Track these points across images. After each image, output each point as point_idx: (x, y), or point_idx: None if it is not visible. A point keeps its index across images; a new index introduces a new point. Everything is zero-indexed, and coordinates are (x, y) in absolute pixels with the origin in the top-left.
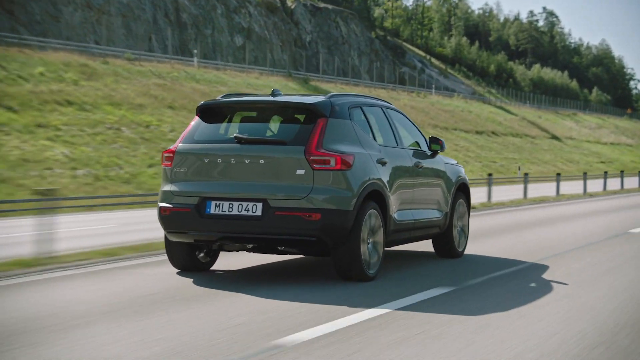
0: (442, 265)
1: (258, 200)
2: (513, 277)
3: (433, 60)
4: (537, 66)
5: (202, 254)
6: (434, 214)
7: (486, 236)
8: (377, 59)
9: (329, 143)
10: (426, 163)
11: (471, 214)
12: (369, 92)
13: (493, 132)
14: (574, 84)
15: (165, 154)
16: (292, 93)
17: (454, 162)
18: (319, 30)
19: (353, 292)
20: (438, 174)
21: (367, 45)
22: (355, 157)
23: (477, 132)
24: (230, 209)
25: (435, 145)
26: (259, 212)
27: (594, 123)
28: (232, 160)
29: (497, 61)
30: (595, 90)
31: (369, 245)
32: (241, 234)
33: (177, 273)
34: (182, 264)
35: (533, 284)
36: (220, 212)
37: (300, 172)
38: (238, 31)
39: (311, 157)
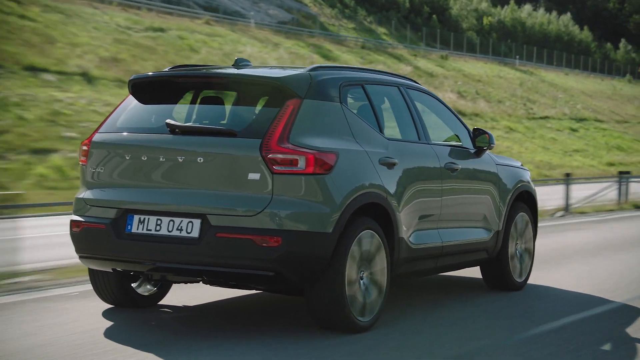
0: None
1: (195, 216)
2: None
3: None
4: (512, 5)
5: (148, 285)
6: (477, 234)
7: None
8: None
9: (300, 135)
10: (465, 164)
11: None
12: None
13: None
14: (584, 34)
15: (83, 146)
16: (276, 65)
17: (517, 163)
18: None
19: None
20: (485, 178)
21: None
22: (340, 156)
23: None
24: (158, 227)
25: (482, 140)
26: (195, 233)
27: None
28: (162, 158)
29: None
30: (623, 44)
31: (362, 281)
32: (170, 264)
33: (105, 311)
34: (112, 297)
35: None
36: (145, 232)
37: (254, 176)
38: None
39: (270, 155)
